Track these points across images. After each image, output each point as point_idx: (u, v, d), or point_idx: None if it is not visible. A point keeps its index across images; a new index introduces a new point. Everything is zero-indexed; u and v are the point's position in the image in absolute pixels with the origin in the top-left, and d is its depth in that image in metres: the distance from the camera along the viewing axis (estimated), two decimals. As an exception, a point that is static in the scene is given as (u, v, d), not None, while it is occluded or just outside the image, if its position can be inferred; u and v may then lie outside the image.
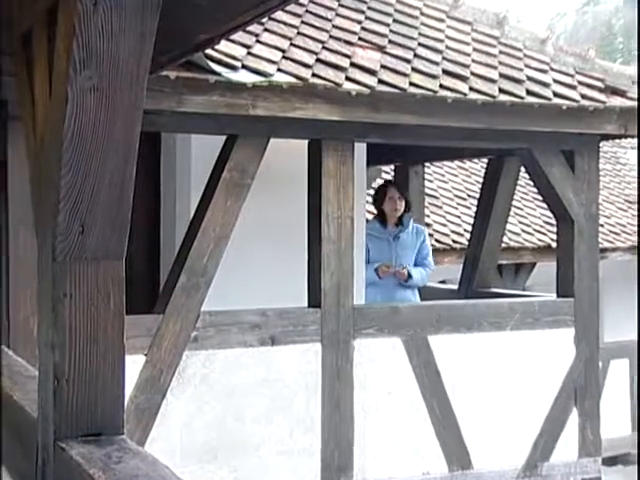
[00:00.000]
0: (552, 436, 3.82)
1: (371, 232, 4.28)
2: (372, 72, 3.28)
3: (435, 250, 6.35)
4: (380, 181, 6.48)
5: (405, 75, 3.34)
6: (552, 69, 3.86)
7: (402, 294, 4.19)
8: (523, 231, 6.80)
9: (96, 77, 1.31)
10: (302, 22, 3.52)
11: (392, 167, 5.97)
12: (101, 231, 1.38)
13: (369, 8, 3.94)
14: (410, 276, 4.13)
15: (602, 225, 6.54)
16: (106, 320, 1.39)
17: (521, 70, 3.75)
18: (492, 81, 3.54)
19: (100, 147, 1.33)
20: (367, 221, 4.46)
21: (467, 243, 5.22)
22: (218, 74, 2.90)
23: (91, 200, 1.36)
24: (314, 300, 3.44)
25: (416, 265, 4.24)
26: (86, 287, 1.41)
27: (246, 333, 3.26)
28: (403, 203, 4.25)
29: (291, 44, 3.28)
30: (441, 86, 3.35)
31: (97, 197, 1.36)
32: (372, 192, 6.91)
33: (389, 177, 7.14)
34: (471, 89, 3.43)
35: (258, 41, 3.21)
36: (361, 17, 3.82)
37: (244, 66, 2.99)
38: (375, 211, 4.39)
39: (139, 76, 1.33)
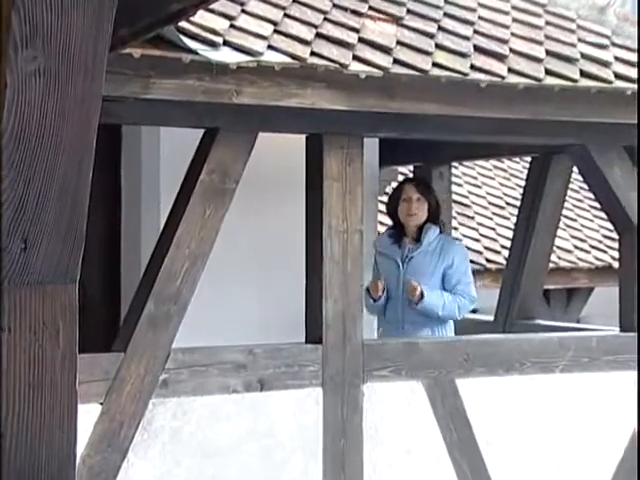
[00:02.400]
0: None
1: (380, 249, 4.05)
2: (386, 50, 3.30)
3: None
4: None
5: (427, 53, 3.37)
6: (613, 44, 3.87)
7: (419, 331, 3.84)
8: (576, 248, 6.82)
9: (42, 57, 1.32)
10: (299, -13, 3.55)
11: (411, 168, 6.00)
12: (49, 248, 1.39)
13: (382, -30, 3.97)
14: (422, 296, 3.75)
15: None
16: (54, 361, 1.39)
17: (574, 46, 3.77)
18: (537, 60, 3.56)
19: (48, 144, 1.34)
20: (378, 234, 4.44)
21: (505, 263, 5.23)
22: (194, 52, 2.92)
23: (36, 209, 1.37)
24: (313, 334, 3.44)
25: (450, 291, 3.87)
26: (29, 319, 1.41)
27: (228, 376, 3.26)
28: (425, 207, 3.89)
29: (285, 15, 3.31)
30: (472, 67, 3.37)
31: (44, 205, 1.37)
32: (384, 198, 6.94)
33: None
34: (510, 70, 3.45)
35: (244, 11, 3.23)
36: (372, -19, 3.86)
37: (226, 42, 3.01)
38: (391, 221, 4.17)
39: (97, 56, 1.35)
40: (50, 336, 1.36)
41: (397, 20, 3.54)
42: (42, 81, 1.31)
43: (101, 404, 3.09)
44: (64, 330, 1.38)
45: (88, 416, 3.04)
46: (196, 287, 3.24)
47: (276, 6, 3.33)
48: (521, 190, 5.16)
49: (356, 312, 3.45)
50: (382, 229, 5.55)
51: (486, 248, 6.65)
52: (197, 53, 2.91)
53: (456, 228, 6.50)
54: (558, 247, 6.43)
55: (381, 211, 5.97)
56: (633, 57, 3.78)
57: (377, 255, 4.09)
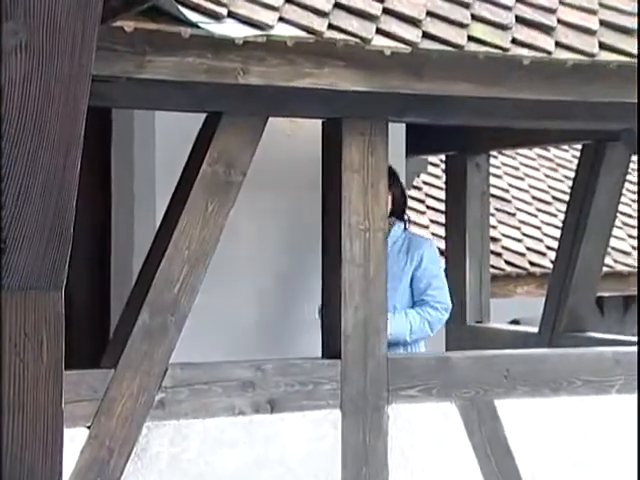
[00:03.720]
0: None
1: None
2: (414, 22, 3.30)
3: (505, 276, 6.38)
4: (428, 178, 6.50)
5: (461, 26, 3.36)
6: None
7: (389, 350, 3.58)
8: (635, 249, 6.78)
9: (24, 32, 1.33)
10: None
11: (442, 158, 5.99)
12: (31, 249, 1.40)
13: None
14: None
15: None
16: (37, 377, 1.40)
17: (633, 15, 3.75)
18: (589, 32, 3.55)
19: (30, 130, 1.35)
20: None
21: (551, 266, 5.21)
22: (195, 25, 2.93)
23: (17, 205, 1.38)
24: (331, 347, 3.46)
25: (415, 303, 3.81)
26: (9, 329, 1.43)
27: (234, 395, 3.28)
28: (388, 199, 3.73)
29: (299, -18, 3.31)
30: (514, 41, 3.37)
31: (26, 201, 1.38)
32: (413, 192, 6.91)
33: (438, 170, 7.19)
34: (558, 45, 3.44)
35: (252, -22, 3.24)
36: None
37: (231, 14, 3.02)
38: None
39: (85, 30, 1.36)
40: (33, 349, 1.37)
41: (427, -13, 3.54)
42: (24, 58, 1.32)
43: (88, 428, 3.11)
44: (48, 342, 1.39)
45: (74, 442, 3.06)
46: (197, 294, 3.26)
47: (288, -28, 3.34)
48: (570, 183, 5.14)
49: (380, 322, 3.46)
50: (410, 227, 5.55)
51: (529, 250, 6.64)
52: (198, 27, 2.92)
53: (494, 227, 6.49)
54: (613, 248, 6.41)
55: (409, 207, 5.96)
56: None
57: None
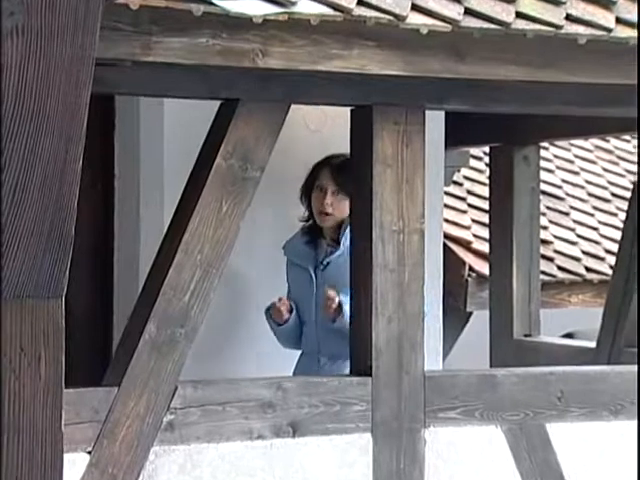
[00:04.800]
0: None
1: (290, 256, 4.01)
2: (455, -4, 3.30)
3: (557, 284, 6.35)
4: (469, 172, 6.48)
5: (508, 1, 3.36)
6: None
7: (339, 366, 3.82)
8: None
9: (22, 13, 1.34)
10: None
11: (486, 150, 5.97)
12: (28, 253, 1.41)
13: None
14: (341, 309, 3.73)
15: None
16: (34, 396, 1.42)
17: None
18: (653, 8, 3.53)
19: (28, 121, 1.36)
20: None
21: (610, 272, 5.19)
22: (207, 2, 2.95)
23: (13, 204, 1.39)
24: (361, 363, 3.46)
25: None
26: (3, 345, 1.44)
27: (252, 417, 3.29)
28: (345, 204, 3.78)
29: (324, -48, 3.32)
30: (568, 17, 3.36)
31: (23, 199, 1.39)
32: (453, 189, 6.89)
33: (481, 164, 7.17)
34: (619, 21, 3.43)
35: (271, -52, 3.24)
36: None
37: (249, -11, 3.04)
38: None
39: (89, 9, 1.37)
40: (30, 366, 1.38)
41: (469, -42, 3.54)
42: (21, 41, 1.34)
43: (89, 453, 3.12)
44: (47, 358, 1.40)
45: (72, 468, 3.06)
46: (209, 303, 3.27)
47: (312, -59, 3.35)
48: (631, 177, 5.12)
49: (415, 335, 3.46)
50: (449, 228, 5.54)
51: (585, 253, 6.61)
52: (211, 3, 2.94)
53: (545, 228, 6.47)
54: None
55: (448, 206, 5.95)
56: None
57: (287, 265, 4.03)
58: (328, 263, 3.91)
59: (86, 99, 1.43)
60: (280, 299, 3.88)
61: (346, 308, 3.72)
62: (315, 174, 3.91)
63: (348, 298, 3.67)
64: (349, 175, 3.79)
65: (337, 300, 3.75)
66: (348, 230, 3.80)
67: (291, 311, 3.88)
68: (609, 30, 3.35)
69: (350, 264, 3.56)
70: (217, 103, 3.34)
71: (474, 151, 6.72)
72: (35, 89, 1.39)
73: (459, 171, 6.64)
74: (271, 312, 3.89)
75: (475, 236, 6.45)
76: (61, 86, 1.39)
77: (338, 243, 3.90)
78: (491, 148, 5.35)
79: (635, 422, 3.68)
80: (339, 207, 3.87)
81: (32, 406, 1.45)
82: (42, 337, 1.46)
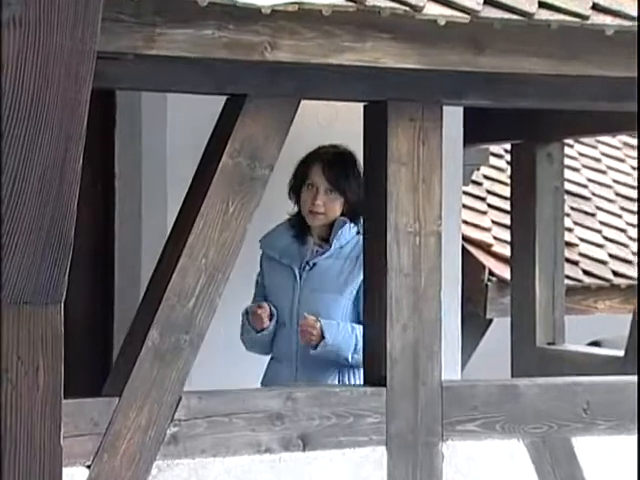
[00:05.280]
0: None
1: (269, 251, 3.87)
2: (474, -15, 3.30)
3: (582, 289, 6.33)
4: (489, 171, 6.46)
5: (531, -11, 3.36)
6: None
7: (319, 376, 3.73)
8: None
9: (19, 4, 1.35)
10: None
11: (507, 147, 5.97)
12: (26, 256, 1.41)
13: None
14: (323, 336, 3.63)
15: None
16: (31, 407, 1.42)
17: None
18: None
19: (25, 117, 1.36)
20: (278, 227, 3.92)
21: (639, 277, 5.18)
22: (214, -8, 2.96)
23: (9, 205, 1.40)
24: (375, 373, 3.46)
25: (357, 321, 3.72)
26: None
27: (260, 429, 3.29)
28: (337, 204, 3.76)
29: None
30: (595, 7, 3.35)
31: (20, 199, 1.39)
32: (472, 189, 6.87)
33: (501, 162, 7.15)
34: (646, 12, 3.42)
35: None
36: None
37: (257, -22, 3.05)
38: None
39: (89, 2, 1.38)
40: (27, 375, 1.39)
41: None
42: (19, 33, 1.34)
43: (88, 467, 3.12)
44: (45, 367, 1.40)
45: (72, 483, 3.08)
46: (215, 309, 3.27)
47: None
48: (661, 176, 5.11)
49: (432, 343, 3.46)
50: (468, 230, 5.53)
51: (613, 257, 6.59)
52: (218, -7, 2.95)
53: (570, 229, 6.46)
54: None
55: (467, 206, 5.94)
56: None
57: (263, 260, 3.89)
58: (314, 264, 3.79)
59: (87, 95, 1.43)
60: (260, 306, 3.77)
61: (329, 334, 3.65)
62: (305, 170, 3.79)
63: (333, 324, 3.63)
64: (342, 171, 3.80)
65: (318, 326, 3.66)
66: (343, 230, 3.77)
67: (271, 318, 3.77)
68: (638, 20, 3.35)
69: (363, 268, 3.57)
70: (223, 98, 3.34)
71: (494, 149, 6.71)
72: (33, 84, 1.40)
73: (478, 170, 6.63)
74: (249, 317, 3.80)
75: (495, 238, 6.44)
76: (60, 81, 1.39)
77: (328, 242, 3.80)
78: (512, 145, 5.35)
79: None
80: (331, 207, 3.78)
81: (30, 418, 1.46)
82: (40, 345, 1.46)
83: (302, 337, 3.70)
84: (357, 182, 3.79)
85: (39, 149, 1.43)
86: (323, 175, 3.77)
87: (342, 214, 3.81)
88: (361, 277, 3.67)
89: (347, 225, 3.80)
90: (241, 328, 3.88)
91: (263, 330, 3.78)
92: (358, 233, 3.79)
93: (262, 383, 3.87)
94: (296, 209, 3.89)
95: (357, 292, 3.75)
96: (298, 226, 3.85)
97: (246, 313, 3.83)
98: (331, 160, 3.81)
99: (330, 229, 3.82)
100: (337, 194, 3.78)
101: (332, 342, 3.67)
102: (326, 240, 3.82)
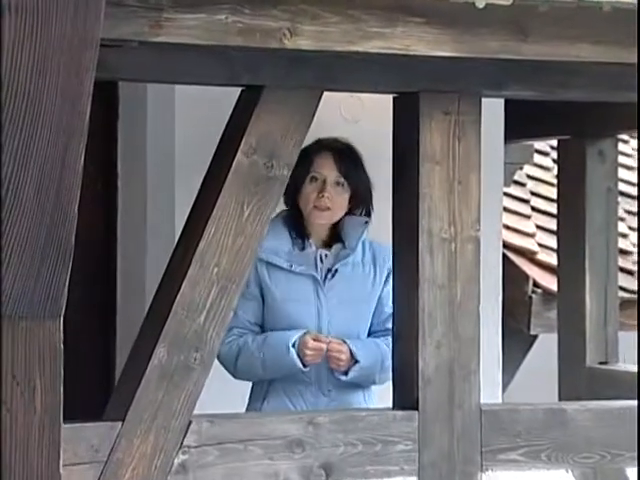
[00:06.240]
0: None
1: (272, 258, 3.72)
2: (516, -36, 3.31)
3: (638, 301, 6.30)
4: (534, 170, 6.45)
5: (580, -32, 3.36)
6: None
7: (348, 398, 3.76)
8: None
9: (15, -12, 1.36)
10: None
11: (553, 144, 5.96)
12: (21, 266, 1.43)
13: None
14: (356, 360, 3.67)
15: None
16: (28, 432, 1.43)
17: None
18: None
19: (22, 112, 1.37)
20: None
21: None
22: (228, -28, 2.97)
23: (4, 210, 1.41)
24: (405, 395, 3.46)
25: (373, 333, 3.80)
26: (-8, 371, 1.45)
27: (278, 458, 3.29)
28: (345, 198, 3.74)
29: None
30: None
31: (15, 205, 1.41)
32: (514, 190, 6.85)
33: (547, 161, 7.14)
34: None
35: None
36: None
37: (275, -43, 3.06)
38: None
39: (91, -15, 1.39)
40: (23, 396, 1.40)
41: None
42: (14, 21, 1.35)
43: (89, 498, 3.15)
44: (43, 387, 1.41)
45: (70, 516, 3.10)
46: (229, 324, 3.29)
47: None
48: None
49: (470, 362, 3.46)
50: (510, 236, 5.52)
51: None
52: (232, -27, 2.97)
53: (624, 235, 6.45)
54: None
55: (508, 209, 5.93)
56: None
57: (262, 269, 3.74)
58: (336, 271, 3.76)
59: (89, 87, 1.44)
60: (319, 338, 3.66)
61: (362, 356, 3.65)
62: (309, 160, 3.70)
63: (359, 344, 3.64)
64: (353, 161, 3.78)
65: (345, 349, 3.67)
66: (358, 227, 3.75)
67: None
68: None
69: (393, 278, 3.57)
70: (237, 90, 3.36)
71: (539, 145, 6.70)
72: (30, 76, 1.41)
73: (521, 169, 6.62)
74: (297, 350, 3.65)
75: (540, 245, 6.42)
76: (60, 72, 1.40)
77: (329, 245, 3.80)
78: (559, 142, 5.34)
79: None
80: (338, 201, 3.75)
81: (26, 443, 1.48)
82: (37, 364, 1.48)
83: (330, 364, 3.70)
84: (366, 176, 3.80)
85: (36, 147, 1.44)
86: (335, 164, 3.74)
87: (347, 212, 3.79)
88: (382, 284, 3.71)
89: (359, 222, 3.78)
90: (262, 359, 3.71)
91: (308, 365, 3.68)
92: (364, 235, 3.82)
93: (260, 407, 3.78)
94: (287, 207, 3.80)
95: (380, 299, 3.78)
96: (296, 227, 3.79)
97: (293, 345, 3.65)
98: (341, 148, 3.80)
99: (331, 230, 3.79)
100: (346, 187, 3.75)
101: (366, 364, 3.69)
102: (328, 243, 3.80)
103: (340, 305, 3.75)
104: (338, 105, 4.17)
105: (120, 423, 3.18)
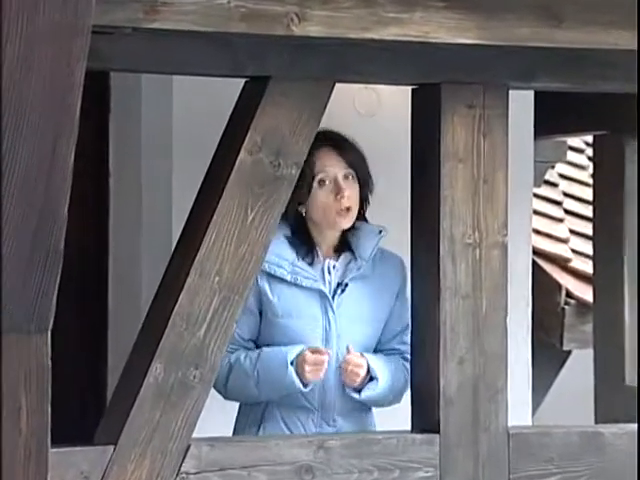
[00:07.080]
0: None
1: (276, 269, 3.63)
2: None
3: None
4: (567, 169, 6.45)
5: (618, -53, 3.36)
6: None
7: (357, 424, 3.71)
8: None
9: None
10: None
11: (589, 140, 5.95)
12: (7, 275, 1.43)
13: None
14: (372, 377, 3.61)
15: None
16: (12, 456, 1.44)
17: None
18: None
19: (10, 104, 1.37)
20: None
21: None
22: (230, -48, 2.98)
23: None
24: (426, 417, 3.47)
25: (383, 350, 3.73)
26: (-25, 388, 1.46)
27: (285, 485, 3.31)
28: (356, 192, 3.66)
29: None
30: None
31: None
32: (545, 191, 6.84)
33: (582, 158, 7.12)
34: None
35: None
36: None
37: None
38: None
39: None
40: (8, 417, 1.40)
41: None
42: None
43: (78, 530, 3.16)
44: (29, 406, 1.41)
45: None
46: (230, 338, 3.30)
47: None
48: None
49: (496, 380, 3.47)
50: (541, 241, 5.52)
51: None
52: (235, -46, 2.97)
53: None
54: None
55: (539, 212, 5.93)
56: None
57: (264, 281, 3.64)
58: (346, 285, 3.68)
59: (80, 78, 1.45)
60: (321, 351, 3.56)
61: (381, 373, 3.60)
62: (311, 161, 3.54)
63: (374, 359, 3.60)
64: (356, 151, 3.69)
65: (365, 364, 3.60)
66: (371, 235, 3.67)
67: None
68: None
69: (411, 288, 3.58)
70: (241, 82, 3.37)
71: (572, 141, 6.69)
72: (15, 68, 1.41)
73: (553, 167, 6.62)
74: (295, 367, 3.55)
75: (574, 252, 6.42)
76: (48, 63, 1.40)
77: (337, 254, 3.70)
78: (595, 138, 5.34)
79: None
80: (354, 197, 3.65)
81: (11, 468, 1.48)
82: (23, 382, 1.48)
83: (345, 379, 3.62)
84: (366, 168, 3.73)
85: (22, 146, 1.45)
86: (340, 156, 3.67)
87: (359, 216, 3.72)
88: (393, 297, 3.70)
89: (370, 229, 3.72)
90: (256, 378, 3.63)
91: (308, 385, 3.59)
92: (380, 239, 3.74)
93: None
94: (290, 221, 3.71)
95: (392, 313, 3.73)
96: (300, 233, 3.71)
97: (291, 363, 3.56)
98: (340, 139, 3.72)
99: (342, 239, 3.71)
100: (355, 178, 3.67)
101: (385, 383, 3.64)
102: (338, 251, 3.71)
103: (351, 324, 3.67)
104: (351, 98, 4.18)
105: (112, 447, 3.18)
